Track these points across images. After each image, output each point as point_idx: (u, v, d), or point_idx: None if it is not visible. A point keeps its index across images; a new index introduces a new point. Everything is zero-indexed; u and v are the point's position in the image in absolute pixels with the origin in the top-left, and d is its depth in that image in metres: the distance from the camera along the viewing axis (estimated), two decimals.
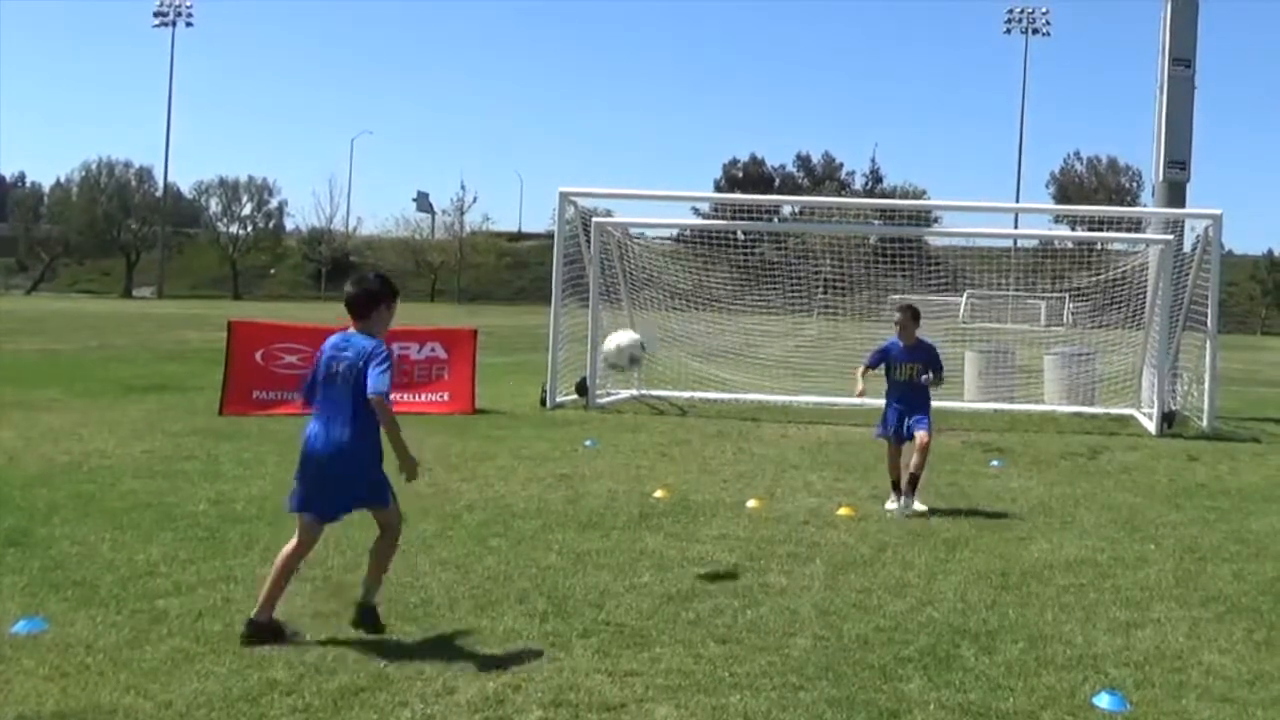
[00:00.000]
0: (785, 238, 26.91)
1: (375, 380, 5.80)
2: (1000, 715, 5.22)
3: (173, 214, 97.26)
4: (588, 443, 13.34)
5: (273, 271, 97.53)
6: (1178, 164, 19.36)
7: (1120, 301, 20.52)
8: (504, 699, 5.16)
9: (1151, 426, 16.54)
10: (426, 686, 5.28)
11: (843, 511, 9.65)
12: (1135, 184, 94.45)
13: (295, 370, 14.99)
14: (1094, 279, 23.69)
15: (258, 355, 15.42)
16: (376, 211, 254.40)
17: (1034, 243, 32.72)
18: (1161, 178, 19.62)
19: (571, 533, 8.56)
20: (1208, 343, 16.93)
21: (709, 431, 14.99)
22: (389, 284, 6.24)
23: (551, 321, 17.84)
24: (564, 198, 17.92)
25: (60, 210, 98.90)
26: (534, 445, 13.03)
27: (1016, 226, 46.73)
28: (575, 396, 17.90)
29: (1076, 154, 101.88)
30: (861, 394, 10.35)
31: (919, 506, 9.90)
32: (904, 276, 21.95)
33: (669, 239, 28.67)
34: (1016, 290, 40.91)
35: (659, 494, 10.16)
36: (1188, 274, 17.88)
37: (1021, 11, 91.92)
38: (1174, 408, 17.42)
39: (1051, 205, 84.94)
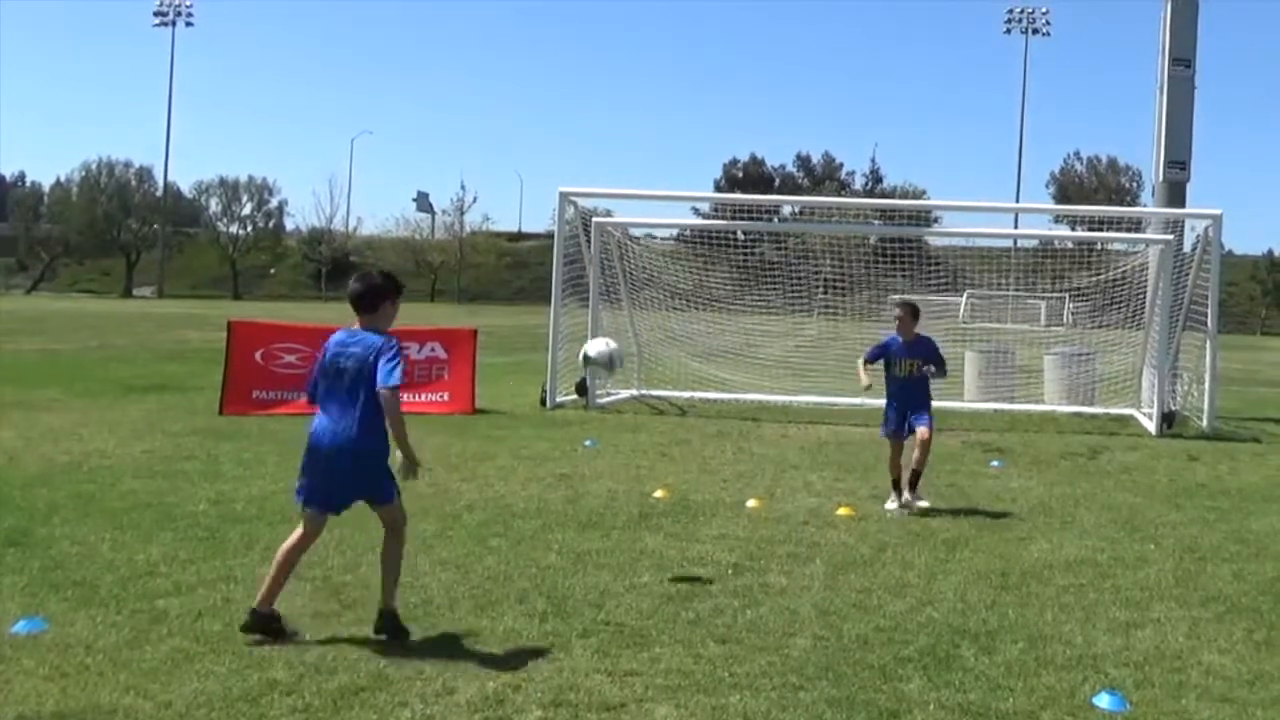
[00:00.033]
0: (785, 238, 26.92)
1: (387, 374, 5.83)
2: (1000, 715, 5.22)
3: (173, 214, 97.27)
4: (588, 443, 13.34)
5: (273, 271, 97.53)
6: (1178, 164, 19.36)
7: (1120, 301, 20.52)
8: (504, 699, 5.16)
9: (1151, 426, 16.54)
10: (426, 686, 5.28)
11: (842, 511, 9.65)
12: (1135, 184, 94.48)
13: (295, 370, 15.00)
14: (1094, 279, 23.70)
15: (257, 355, 15.42)
16: (376, 211, 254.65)
17: (1034, 243, 32.73)
18: (1161, 178, 19.62)
19: (571, 533, 8.57)
20: (1208, 343, 16.93)
21: (709, 431, 14.99)
22: (394, 280, 6.28)
23: (551, 321, 17.84)
24: (564, 198, 17.92)
25: (60, 210, 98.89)
26: (534, 445, 13.03)
27: (1016, 226, 46.79)
28: (575, 396, 17.90)
29: (1076, 154, 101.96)
30: (868, 388, 10.41)
31: (922, 503, 9.91)
32: (904, 276, 21.94)
33: (669, 239, 28.73)
34: (1016, 290, 40.92)
35: (659, 494, 10.16)
36: (1188, 274, 17.88)
37: (1021, 11, 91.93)
38: (1174, 408, 17.42)
39: (1051, 205, 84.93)
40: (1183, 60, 19.28)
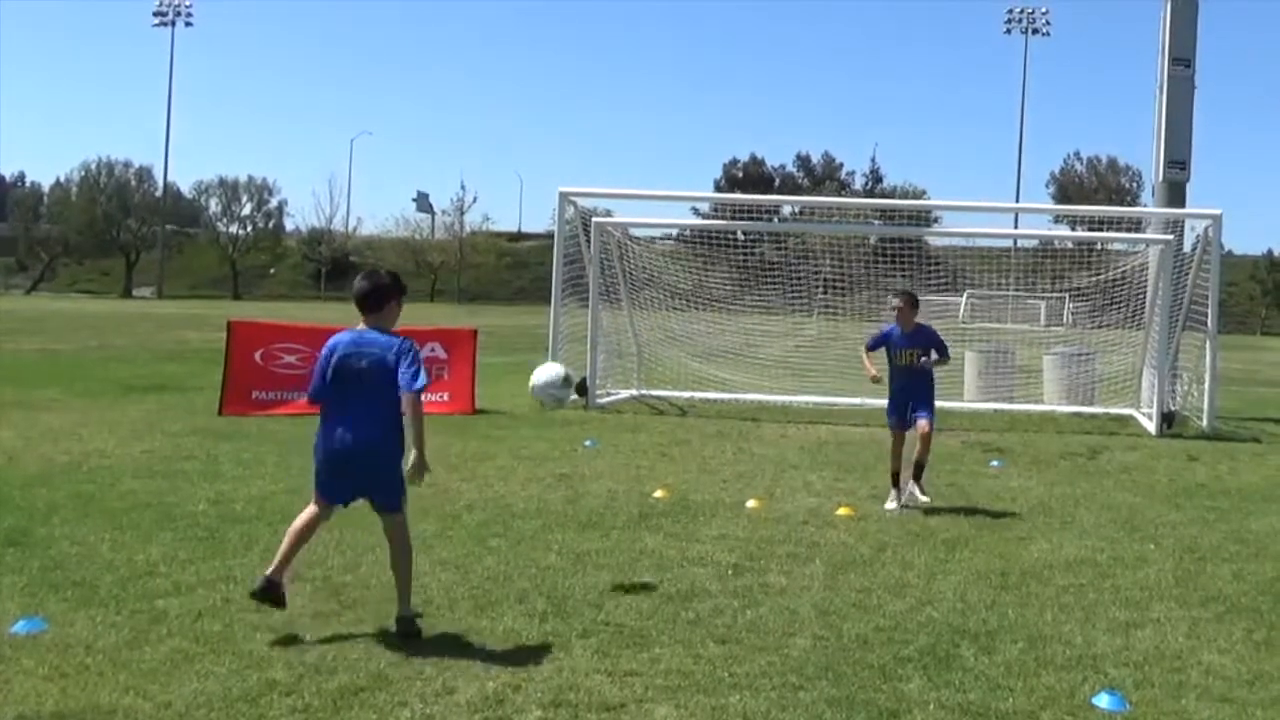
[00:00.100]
0: (785, 238, 26.92)
1: (412, 377, 5.91)
2: (1000, 715, 5.22)
3: (172, 214, 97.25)
4: (587, 443, 13.34)
5: (272, 271, 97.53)
6: (1178, 164, 19.36)
7: (1120, 301, 20.51)
8: (504, 699, 5.16)
9: (1151, 426, 16.54)
10: (426, 686, 5.28)
11: (842, 511, 9.65)
12: (1135, 184, 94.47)
13: (295, 370, 15.01)
14: (1094, 279, 23.69)
15: (257, 355, 15.42)
16: (376, 211, 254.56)
17: (1034, 243, 32.71)
18: (1161, 178, 19.61)
19: (571, 533, 8.57)
20: (1208, 343, 16.92)
21: (709, 431, 14.99)
22: (399, 280, 6.35)
23: (551, 321, 17.84)
24: (564, 198, 17.92)
25: (60, 210, 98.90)
26: (534, 445, 13.03)
27: (1016, 226, 46.83)
28: (575, 397, 17.87)
29: (1076, 154, 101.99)
30: (876, 380, 10.45)
31: (924, 499, 9.91)
32: (904, 276, 21.94)
33: (669, 239, 28.71)
34: (1016, 290, 40.91)
35: (659, 494, 10.16)
36: (1188, 274, 17.88)
37: (1021, 11, 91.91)
38: (1174, 408, 17.42)
39: (1051, 205, 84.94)
40: (1183, 60, 19.28)
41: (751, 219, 26.68)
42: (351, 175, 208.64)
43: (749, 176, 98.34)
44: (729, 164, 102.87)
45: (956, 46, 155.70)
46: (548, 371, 7.41)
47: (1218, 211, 17.03)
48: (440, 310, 60.77)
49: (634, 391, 19.23)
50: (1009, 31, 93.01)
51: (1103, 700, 5.34)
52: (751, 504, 9.85)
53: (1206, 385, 16.82)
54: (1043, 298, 40.99)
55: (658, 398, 18.86)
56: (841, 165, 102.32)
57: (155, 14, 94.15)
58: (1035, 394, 20.10)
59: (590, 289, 18.22)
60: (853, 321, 23.29)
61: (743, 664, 5.73)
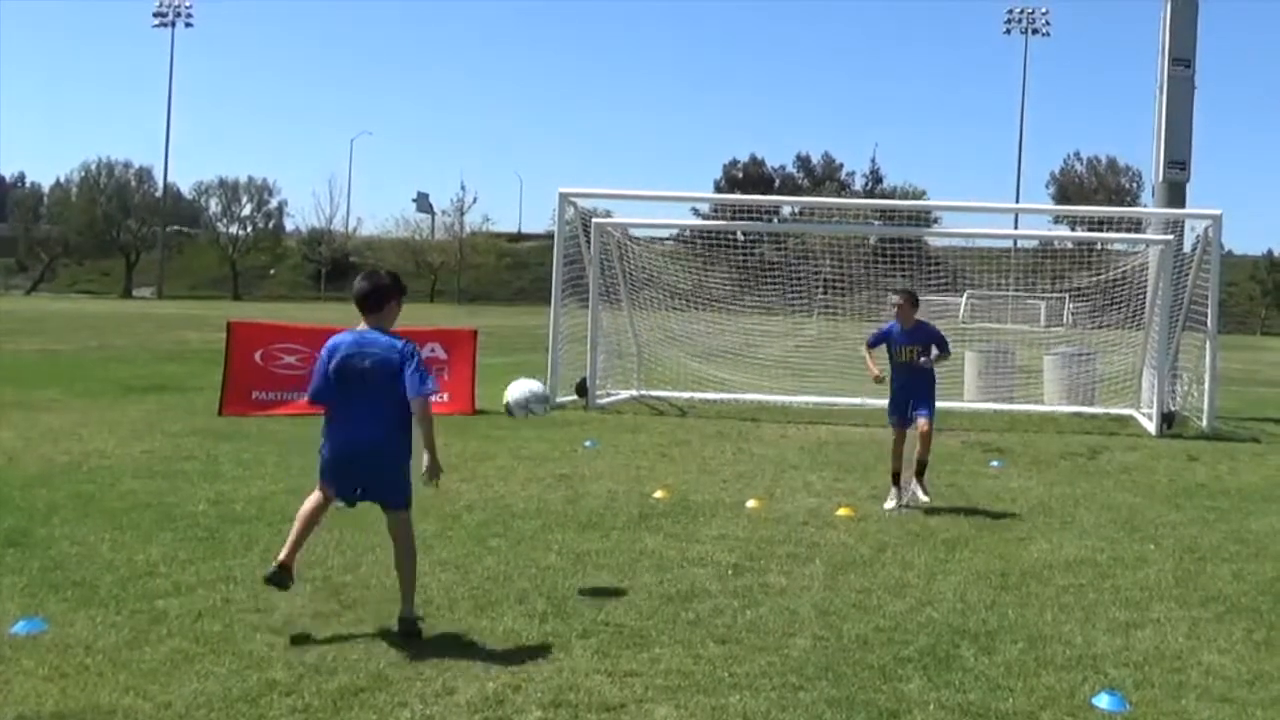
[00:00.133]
0: (785, 238, 26.92)
1: (420, 382, 5.98)
2: (1000, 715, 5.22)
3: (172, 214, 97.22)
4: (587, 443, 13.34)
5: (272, 272, 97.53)
6: (1178, 164, 19.36)
7: (1120, 302, 20.52)
8: (504, 699, 5.16)
9: (1151, 427, 16.55)
10: (426, 687, 5.28)
11: (842, 512, 9.65)
12: (1135, 184, 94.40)
13: (295, 371, 15.01)
14: (1094, 279, 23.69)
15: (257, 356, 15.43)
16: (376, 212, 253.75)
17: (1034, 243, 32.76)
18: (1161, 178, 19.62)
19: (571, 533, 8.57)
20: (1208, 343, 16.93)
21: (709, 432, 14.99)
22: (399, 281, 6.40)
23: (551, 322, 17.84)
24: (564, 198, 17.92)
25: (60, 210, 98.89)
26: (534, 446, 13.03)
27: (1016, 227, 46.79)
28: (575, 397, 17.90)
29: (1076, 154, 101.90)
30: (879, 379, 10.47)
31: (924, 498, 9.91)
32: (904, 277, 21.94)
33: (669, 239, 28.69)
34: (1016, 290, 40.89)
35: (659, 494, 10.16)
36: (1188, 274, 17.88)
37: (1021, 12, 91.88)
38: (1174, 408, 17.42)
39: (1051, 205, 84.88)
40: (1183, 60, 19.28)
41: (751, 219, 26.69)
42: (351, 175, 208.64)
43: (749, 177, 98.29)
44: (729, 164, 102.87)
45: (956, 46, 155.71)
46: (523, 388, 7.25)
47: (1218, 211, 17.03)
48: (440, 311, 60.78)
49: (634, 392, 19.24)
50: (1009, 31, 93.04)
51: (1103, 700, 5.34)
52: (751, 504, 9.85)
53: (1206, 385, 16.82)
54: (1043, 298, 40.97)
55: (658, 398, 18.86)
56: (841, 166, 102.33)
57: (155, 14, 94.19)
58: (1035, 394, 20.11)
59: (590, 289, 18.22)
60: (853, 322, 23.29)
61: (743, 664, 5.73)
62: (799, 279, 23.04)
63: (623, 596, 6.86)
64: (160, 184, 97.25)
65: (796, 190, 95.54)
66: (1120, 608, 6.99)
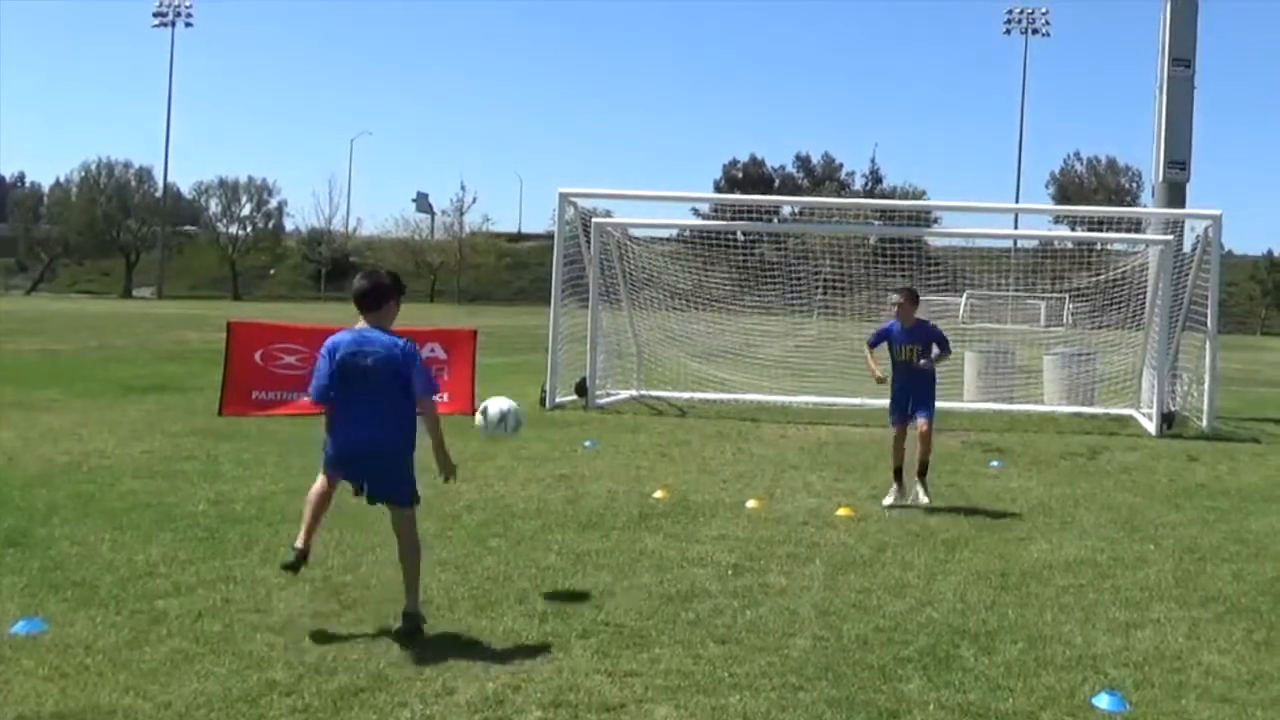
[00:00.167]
0: (785, 238, 26.92)
1: (427, 382, 6.17)
2: (1000, 715, 5.22)
3: (172, 214, 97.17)
4: (587, 443, 13.34)
5: (272, 272, 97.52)
6: (1178, 164, 19.37)
7: (1120, 302, 20.52)
8: (504, 699, 5.16)
9: (1151, 427, 16.55)
10: (426, 687, 5.28)
11: (842, 512, 9.65)
12: (1135, 184, 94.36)
13: (295, 371, 15.00)
14: (1094, 279, 23.69)
15: (257, 356, 15.42)
16: (376, 212, 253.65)
17: (1034, 243, 32.74)
18: (1161, 178, 19.62)
19: (571, 533, 8.57)
20: (1207, 343, 16.93)
21: (708, 432, 14.99)
22: (398, 280, 6.44)
23: (551, 322, 17.84)
24: (564, 198, 17.92)
25: (60, 210, 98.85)
26: (533, 446, 13.02)
27: (1016, 227, 46.70)
28: (575, 397, 17.90)
29: (1076, 154, 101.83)
30: (881, 380, 10.48)
31: (924, 499, 9.92)
32: (904, 277, 21.92)
33: (669, 239, 28.70)
34: (1016, 291, 40.88)
35: (658, 494, 10.16)
36: (1188, 274, 17.88)
37: (1021, 12, 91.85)
38: (1174, 408, 17.42)
39: (1051, 205, 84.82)
40: (1182, 60, 19.29)
41: (751, 219, 26.69)
42: (351, 175, 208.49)
43: (749, 177, 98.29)
44: (729, 164, 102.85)
45: (956, 46, 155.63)
46: (497, 405, 7.14)
47: (1218, 212, 17.04)
48: (440, 311, 60.78)
49: (634, 392, 19.24)
50: (1009, 32, 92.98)
51: (1103, 700, 5.34)
52: (751, 504, 9.85)
53: (1206, 385, 16.83)
54: (1043, 298, 40.95)
55: (657, 398, 18.86)
56: (841, 165, 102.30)
57: (155, 14, 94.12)
58: (1035, 394, 20.11)
59: (590, 289, 18.22)
60: (852, 321, 23.29)
61: (743, 664, 5.73)
62: (799, 279, 23.04)
63: (622, 597, 6.86)
64: (160, 184, 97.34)
65: (796, 190, 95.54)
66: (1120, 608, 6.99)
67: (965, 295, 40.27)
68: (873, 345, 10.57)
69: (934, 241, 36.73)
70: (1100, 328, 22.33)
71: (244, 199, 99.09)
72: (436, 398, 16.46)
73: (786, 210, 34.66)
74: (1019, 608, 6.93)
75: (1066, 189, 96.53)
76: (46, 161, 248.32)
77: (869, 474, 11.62)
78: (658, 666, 5.65)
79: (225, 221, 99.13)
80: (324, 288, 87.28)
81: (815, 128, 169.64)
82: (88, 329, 35.75)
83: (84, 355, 25.20)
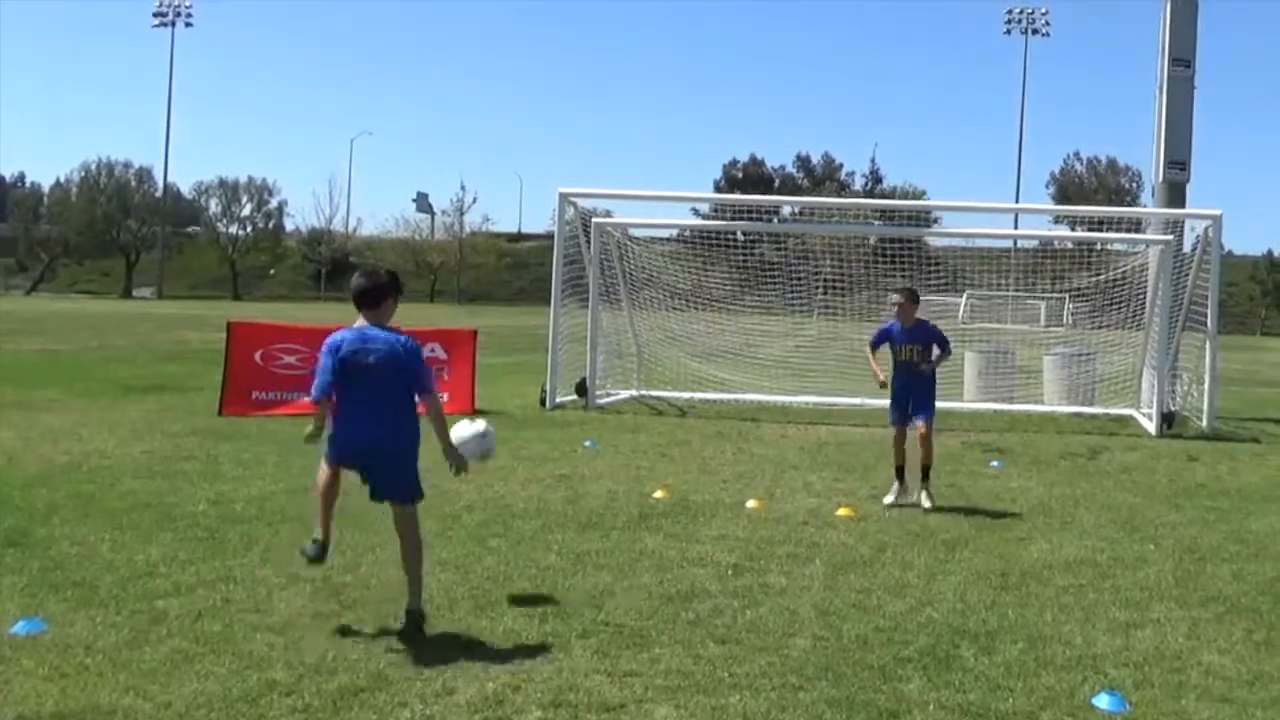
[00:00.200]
0: (785, 238, 26.93)
1: (431, 378, 6.26)
2: (1000, 715, 5.22)
3: (172, 214, 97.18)
4: (587, 443, 13.34)
5: (272, 272, 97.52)
6: (1178, 164, 19.37)
7: (1120, 302, 20.52)
8: (504, 699, 5.16)
9: (1151, 427, 16.55)
10: (426, 687, 5.28)
11: (842, 512, 9.65)
12: (1135, 184, 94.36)
13: (294, 371, 15.01)
14: (1094, 279, 23.68)
15: (257, 356, 15.43)
16: (376, 212, 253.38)
17: (1034, 243, 32.73)
18: (1161, 178, 19.62)
19: (571, 533, 8.57)
20: (1207, 343, 16.93)
21: (708, 432, 14.99)
22: (396, 278, 6.47)
23: (551, 322, 17.84)
24: (564, 198, 17.91)
25: (60, 210, 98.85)
26: (534, 446, 13.03)
27: (1016, 227, 46.71)
28: (575, 397, 17.90)
29: (1076, 154, 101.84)
30: (883, 384, 10.48)
31: (926, 503, 9.92)
32: (904, 277, 21.91)
33: (669, 239, 28.71)
34: (1016, 291, 40.88)
35: (659, 494, 10.16)
36: (1187, 274, 17.88)
37: (1021, 12, 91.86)
38: (1174, 408, 17.42)
39: (1051, 205, 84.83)
40: (1182, 60, 19.29)
41: (751, 219, 26.68)
42: (351, 175, 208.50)
43: (749, 177, 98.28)
44: (729, 164, 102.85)
45: (956, 46, 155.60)
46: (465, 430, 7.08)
47: (1218, 212, 17.03)
48: (440, 311, 60.77)
49: (634, 392, 19.23)
50: (1009, 32, 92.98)
51: (1103, 700, 5.34)
52: (751, 504, 9.85)
53: (1206, 385, 16.83)
54: (1043, 298, 40.96)
55: (657, 398, 18.86)
56: (841, 166, 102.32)
57: (155, 14, 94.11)
58: (1035, 394, 20.10)
59: (590, 289, 18.22)
60: (853, 322, 23.28)
61: (743, 664, 5.73)
62: (799, 279, 23.04)
63: (622, 597, 6.86)
64: (160, 184, 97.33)
65: (796, 190, 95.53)
66: (1120, 608, 6.99)
67: (965, 295, 40.29)
68: (875, 346, 10.56)
69: (934, 241, 36.75)
70: (1100, 328, 22.33)
71: (244, 199, 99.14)
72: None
73: (786, 210, 34.66)
74: (1019, 608, 6.93)
75: (1066, 189, 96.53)
76: (46, 161, 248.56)
77: (869, 474, 11.62)
78: (658, 666, 5.65)
79: (225, 221, 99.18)
80: (324, 288, 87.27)
81: (815, 128, 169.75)
82: (88, 329, 35.75)
83: (84, 355, 25.20)
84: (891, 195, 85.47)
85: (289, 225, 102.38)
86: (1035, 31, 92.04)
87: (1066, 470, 12.66)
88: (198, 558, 7.45)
